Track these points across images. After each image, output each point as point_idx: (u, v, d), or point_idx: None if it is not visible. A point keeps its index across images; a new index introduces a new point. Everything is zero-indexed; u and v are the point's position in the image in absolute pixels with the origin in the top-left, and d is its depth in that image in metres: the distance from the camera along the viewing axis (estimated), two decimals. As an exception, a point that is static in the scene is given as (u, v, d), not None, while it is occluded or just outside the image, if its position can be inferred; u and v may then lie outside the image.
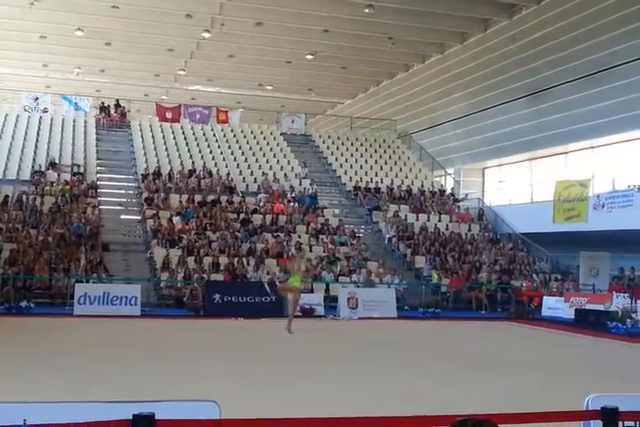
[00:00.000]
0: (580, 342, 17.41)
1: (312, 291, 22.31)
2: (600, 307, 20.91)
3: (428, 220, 30.19)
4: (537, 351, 15.03)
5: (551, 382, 10.56)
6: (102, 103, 35.80)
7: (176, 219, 26.31)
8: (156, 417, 3.91)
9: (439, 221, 30.35)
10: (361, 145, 37.50)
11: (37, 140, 32.16)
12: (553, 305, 23.11)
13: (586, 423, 4.70)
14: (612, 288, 23.58)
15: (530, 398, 8.87)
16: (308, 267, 18.66)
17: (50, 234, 24.30)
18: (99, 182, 29.53)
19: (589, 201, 25.16)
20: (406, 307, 23.28)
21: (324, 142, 37.18)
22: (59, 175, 29.04)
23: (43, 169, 29.25)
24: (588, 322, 19.83)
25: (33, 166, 29.50)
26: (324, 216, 29.04)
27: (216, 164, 32.32)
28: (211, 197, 28.61)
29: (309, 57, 37.51)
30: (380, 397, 9.08)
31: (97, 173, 30.47)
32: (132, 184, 30.54)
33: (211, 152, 33.65)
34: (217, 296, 20.95)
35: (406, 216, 30.07)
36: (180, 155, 32.73)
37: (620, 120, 25.85)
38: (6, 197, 26.36)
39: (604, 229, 23.56)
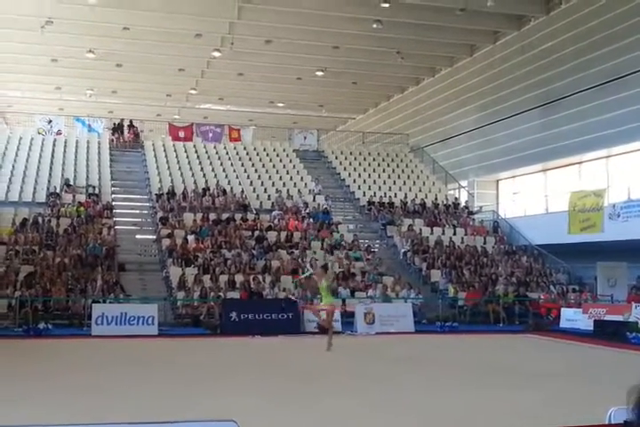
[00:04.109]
0: (599, 353, 17.25)
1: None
2: (619, 318, 20.74)
3: (443, 233, 30.09)
4: (557, 364, 14.92)
5: (573, 395, 10.47)
6: (115, 124, 36.05)
7: (191, 237, 26.35)
8: (177, 438, 3.91)
9: (454, 234, 30.25)
10: (373, 160, 37.52)
11: (52, 162, 32.37)
12: (571, 317, 22.93)
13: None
14: (630, 298, 23.36)
15: (552, 412, 8.79)
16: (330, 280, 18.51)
17: (66, 255, 24.39)
18: (114, 203, 29.66)
19: (605, 211, 25.00)
20: (424, 321, 23.20)
21: (336, 158, 37.23)
22: (74, 197, 29.18)
23: (58, 191, 29.41)
24: (607, 333, 19.65)
25: (48, 188, 29.67)
26: (338, 232, 29.01)
27: (229, 182, 32.42)
28: (225, 215, 28.67)
29: (319, 73, 37.65)
30: (401, 414, 9.03)
31: (112, 193, 30.61)
32: (147, 204, 30.66)
33: (224, 170, 33.75)
34: (234, 314, 20.92)
35: (421, 230, 29.99)
36: (193, 174, 32.86)
37: (634, 129, 25.72)
38: (25, 219, 26.50)
39: (621, 239, 23.40)
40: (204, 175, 32.84)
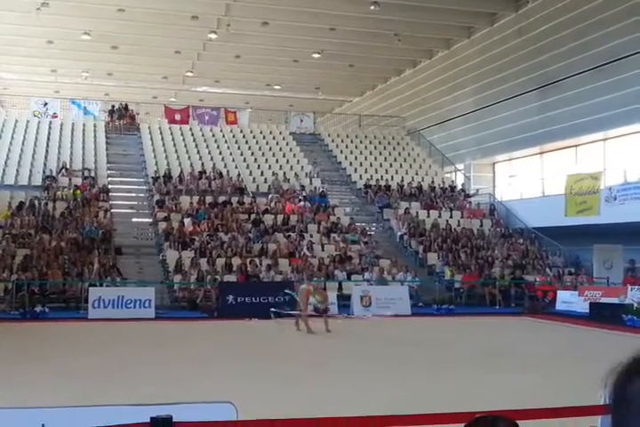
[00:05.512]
0: (595, 335, 17.35)
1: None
2: (615, 300, 20.82)
3: (440, 216, 30.11)
4: (553, 346, 15.00)
5: (568, 377, 10.52)
6: (113, 107, 35.92)
7: (187, 221, 26.35)
8: (174, 419, 3.92)
9: (450, 217, 30.28)
10: (370, 143, 37.46)
11: (48, 145, 32.29)
12: (567, 299, 23.02)
13: (603, 418, 4.66)
14: (626, 281, 23.46)
15: (547, 394, 8.84)
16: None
17: (63, 238, 24.39)
18: (110, 186, 29.62)
19: (601, 194, 25.00)
20: (420, 304, 23.27)
21: (333, 141, 37.17)
22: (70, 180, 29.15)
23: (54, 174, 29.35)
24: (602, 315, 19.73)
25: (44, 171, 29.63)
26: (335, 215, 29.02)
27: (226, 165, 32.38)
28: (222, 199, 28.65)
29: (316, 55, 37.42)
30: (398, 396, 9.07)
31: (108, 176, 30.56)
32: (143, 187, 30.64)
33: (220, 153, 33.70)
34: (230, 297, 20.98)
35: (417, 213, 30.00)
36: (189, 156, 32.80)
37: (631, 112, 25.67)
38: (21, 203, 26.47)
39: (617, 222, 23.43)
40: (201, 158, 32.78)
